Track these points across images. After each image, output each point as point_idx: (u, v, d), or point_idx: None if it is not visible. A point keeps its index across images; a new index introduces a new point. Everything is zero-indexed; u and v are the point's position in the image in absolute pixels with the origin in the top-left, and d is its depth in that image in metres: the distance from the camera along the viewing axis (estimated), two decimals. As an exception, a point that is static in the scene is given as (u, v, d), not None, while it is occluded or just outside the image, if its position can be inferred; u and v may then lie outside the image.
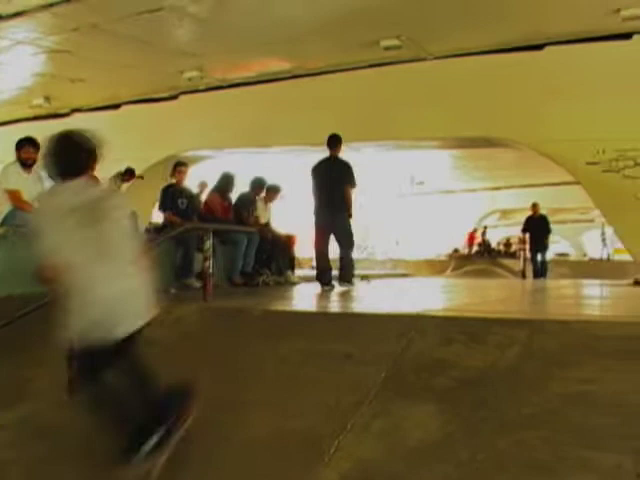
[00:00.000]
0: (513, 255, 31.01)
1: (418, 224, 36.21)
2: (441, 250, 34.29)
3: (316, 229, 10.64)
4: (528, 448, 3.88)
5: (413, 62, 13.35)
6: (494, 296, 10.69)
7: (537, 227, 18.54)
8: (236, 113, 14.89)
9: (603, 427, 3.95)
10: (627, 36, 11.80)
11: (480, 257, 30.31)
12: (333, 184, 10.34)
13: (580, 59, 12.20)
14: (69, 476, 4.42)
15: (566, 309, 8.39)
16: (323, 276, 10.50)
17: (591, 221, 36.85)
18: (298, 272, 12.52)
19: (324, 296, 9.41)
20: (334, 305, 8.29)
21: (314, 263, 11.56)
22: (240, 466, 4.22)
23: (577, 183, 23.30)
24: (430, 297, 10.69)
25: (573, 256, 37.81)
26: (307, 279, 12.43)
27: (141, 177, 11.68)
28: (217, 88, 15.21)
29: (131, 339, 4.25)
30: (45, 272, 4.15)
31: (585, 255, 38.21)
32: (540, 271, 18.49)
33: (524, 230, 19.07)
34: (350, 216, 10.47)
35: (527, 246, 19.13)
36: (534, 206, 18.90)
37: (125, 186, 11.70)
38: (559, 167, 15.75)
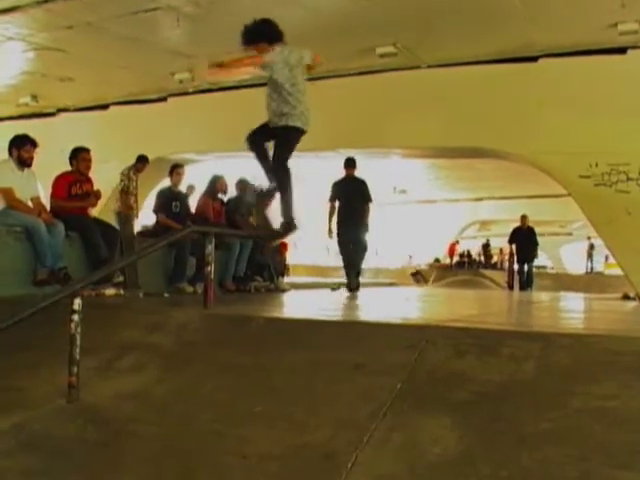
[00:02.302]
0: (494, 266, 31.15)
1: (399, 233, 36.16)
2: (422, 260, 34.28)
3: (341, 243, 11.69)
4: (553, 465, 3.75)
5: (407, 70, 13.25)
6: (493, 307, 10.64)
7: (524, 239, 18.43)
8: (226, 117, 14.70)
9: (628, 444, 3.83)
10: (622, 50, 11.77)
11: (461, 268, 30.36)
12: (354, 201, 11.53)
13: (574, 72, 12.16)
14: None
15: (574, 322, 8.32)
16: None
17: (569, 234, 37.05)
18: (287, 279, 12.41)
19: (325, 304, 9.29)
20: (338, 313, 8.15)
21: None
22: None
23: (557, 196, 23.60)
24: (431, 307, 10.67)
25: (552, 269, 37.94)
26: (297, 286, 12.33)
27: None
28: (207, 91, 15.05)
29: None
30: None
31: (552, 268, 38.34)
32: (526, 283, 18.32)
33: (510, 241, 18.87)
34: (367, 230, 11.75)
35: (515, 257, 18.99)
36: (523, 218, 18.72)
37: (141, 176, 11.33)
38: (540, 180, 15.78)
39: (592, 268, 33.67)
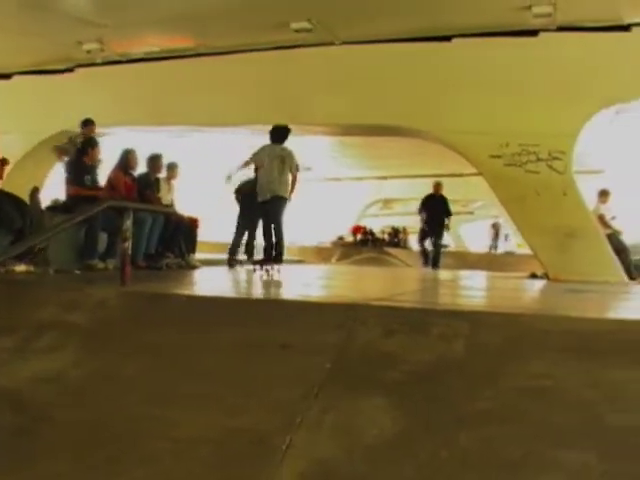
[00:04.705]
0: (397, 244, 31.38)
1: (301, 210, 35.92)
2: (325, 237, 34.24)
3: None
4: (493, 445, 3.71)
5: (321, 46, 13.05)
6: (413, 286, 10.69)
7: (436, 209, 17.21)
8: (136, 89, 14.32)
9: (564, 423, 3.84)
10: (533, 33, 11.86)
11: (365, 245, 30.44)
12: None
13: (487, 53, 12.16)
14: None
15: (497, 301, 8.42)
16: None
17: (470, 213, 37.53)
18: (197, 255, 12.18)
19: (244, 281, 9.14)
20: (259, 291, 7.97)
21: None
22: (184, 468, 3.85)
23: (459, 175, 23.84)
24: (351, 285, 10.70)
25: (446, 247, 38.09)
26: (207, 263, 12.14)
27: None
28: (116, 63, 14.55)
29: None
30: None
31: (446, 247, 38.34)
32: (433, 259, 17.36)
33: (421, 210, 17.64)
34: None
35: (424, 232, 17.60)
36: (437, 185, 17.79)
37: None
38: (444, 159, 15.90)
39: (496, 247, 34.02)
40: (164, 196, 11.50)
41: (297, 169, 11.96)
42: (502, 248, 33.49)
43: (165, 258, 10.77)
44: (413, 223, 22.76)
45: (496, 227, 33.24)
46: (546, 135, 11.78)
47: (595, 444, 3.64)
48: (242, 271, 11.58)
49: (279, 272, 11.11)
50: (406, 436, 3.86)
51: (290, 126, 13.94)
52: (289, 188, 11.78)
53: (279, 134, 12.13)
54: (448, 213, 17.53)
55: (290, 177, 11.80)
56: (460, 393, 4.20)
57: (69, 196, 9.82)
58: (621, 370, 4.27)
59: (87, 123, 11.22)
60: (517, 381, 4.24)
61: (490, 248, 33.92)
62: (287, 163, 11.78)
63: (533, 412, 3.95)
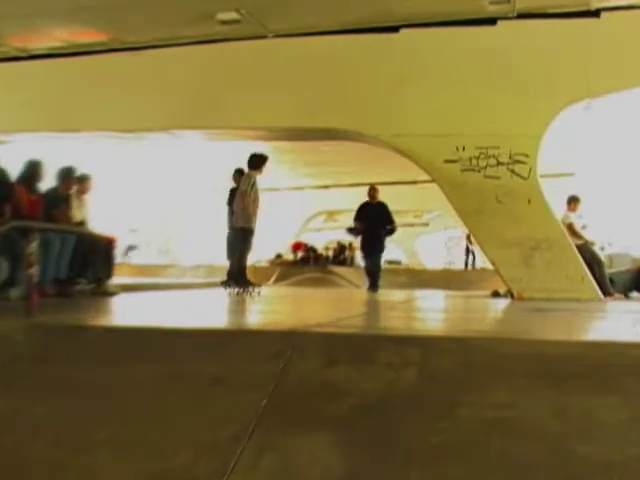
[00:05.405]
0: (343, 262, 31.53)
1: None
2: (262, 256, 34.27)
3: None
4: (448, 482, 3.85)
5: (252, 39, 13.09)
6: (359, 309, 10.72)
7: (374, 218, 16.10)
8: (39, 90, 14.19)
9: (526, 457, 3.98)
10: (492, 21, 12.07)
11: (307, 264, 30.57)
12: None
13: (439, 44, 12.36)
14: None
15: (453, 324, 8.54)
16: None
17: (425, 225, 37.84)
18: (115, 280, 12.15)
19: (170, 309, 9.18)
20: (187, 320, 8.04)
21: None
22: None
23: (411, 183, 24.05)
24: (292, 310, 10.82)
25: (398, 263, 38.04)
26: (127, 288, 12.13)
27: None
28: (14, 59, 14.41)
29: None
30: None
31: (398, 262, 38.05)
32: (372, 280, 16.63)
33: (357, 219, 16.65)
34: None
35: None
36: (372, 190, 16.68)
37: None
38: (393, 165, 16.05)
39: (474, 263, 33.43)
40: (75, 213, 11.42)
41: (248, 192, 14.08)
42: (480, 264, 33.37)
43: (77, 284, 10.76)
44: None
45: (470, 239, 33.01)
46: (507, 136, 12.01)
47: (561, 477, 3.81)
48: (169, 297, 11.61)
49: (215, 296, 11.28)
50: (353, 476, 3.98)
51: (218, 131, 14.09)
52: (241, 217, 14.32)
53: (250, 162, 14.48)
54: (390, 223, 16.50)
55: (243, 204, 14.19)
56: (411, 427, 4.31)
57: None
58: (588, 398, 4.44)
59: None
60: (475, 412, 4.36)
61: (465, 264, 33.81)
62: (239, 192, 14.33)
63: (493, 445, 4.08)
